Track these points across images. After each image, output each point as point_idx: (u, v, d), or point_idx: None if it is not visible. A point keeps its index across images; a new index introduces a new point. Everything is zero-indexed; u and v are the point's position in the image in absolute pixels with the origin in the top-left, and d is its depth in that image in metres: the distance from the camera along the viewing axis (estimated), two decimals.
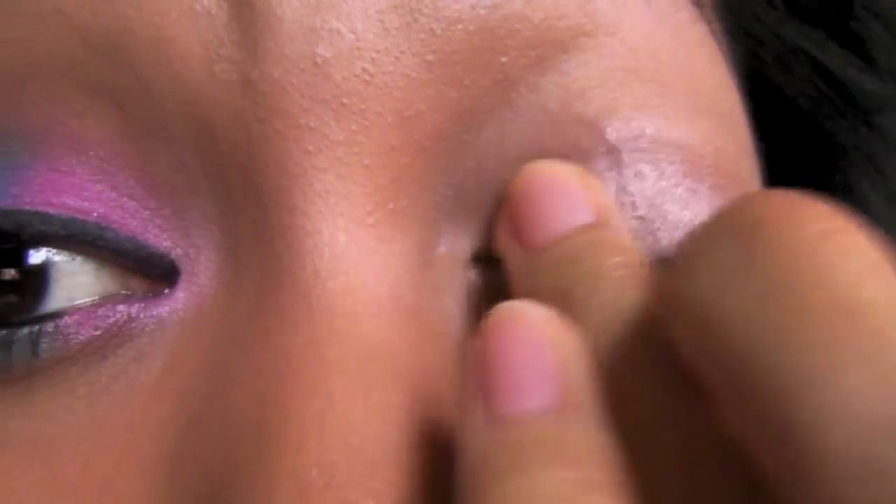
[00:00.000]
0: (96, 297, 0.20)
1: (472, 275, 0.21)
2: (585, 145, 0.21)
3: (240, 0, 0.19)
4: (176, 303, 0.20)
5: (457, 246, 0.21)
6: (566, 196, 0.20)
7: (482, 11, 0.20)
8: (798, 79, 0.28)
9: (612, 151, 0.21)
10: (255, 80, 0.19)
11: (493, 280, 0.21)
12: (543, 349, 0.17)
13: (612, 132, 0.21)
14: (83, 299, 0.20)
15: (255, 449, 0.18)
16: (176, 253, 0.21)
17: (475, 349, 0.17)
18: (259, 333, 0.19)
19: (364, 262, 0.19)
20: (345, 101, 0.19)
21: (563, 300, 0.18)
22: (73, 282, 0.20)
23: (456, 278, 0.21)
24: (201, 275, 0.20)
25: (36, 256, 0.20)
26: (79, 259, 0.20)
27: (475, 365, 0.17)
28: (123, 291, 0.21)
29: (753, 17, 0.26)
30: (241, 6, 0.19)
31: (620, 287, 0.18)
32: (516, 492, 0.15)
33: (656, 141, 0.22)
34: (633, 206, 0.22)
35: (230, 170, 0.20)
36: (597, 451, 0.16)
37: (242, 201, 0.20)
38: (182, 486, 0.19)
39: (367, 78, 0.20)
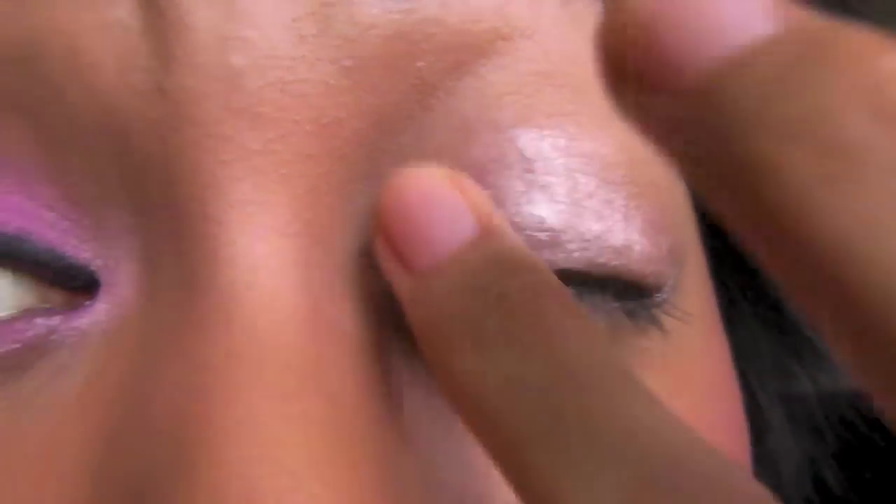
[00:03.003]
0: (14, 311, 0.20)
1: (387, 285, 0.21)
2: (497, 154, 0.21)
3: (152, 10, 0.19)
4: (97, 314, 0.20)
5: (372, 256, 0.21)
6: (443, 207, 0.19)
7: (396, 16, 0.20)
8: None
9: (523, 161, 0.21)
10: (169, 90, 0.19)
11: None
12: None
13: (524, 142, 0.21)
14: (1, 313, 0.20)
15: (174, 463, 0.18)
16: (96, 264, 0.20)
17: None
18: (178, 345, 0.19)
19: (282, 272, 0.19)
20: (260, 109, 0.19)
21: (473, 330, 0.17)
22: None
23: (374, 289, 0.21)
24: (122, 286, 0.20)
25: None
26: None
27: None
28: (43, 305, 0.20)
29: None
30: (154, 16, 0.19)
31: (536, 310, 0.17)
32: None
33: (568, 150, 0.22)
34: (543, 219, 0.21)
35: (147, 180, 0.20)
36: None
37: (160, 212, 0.20)
38: (103, 500, 0.18)
39: (283, 86, 0.19)
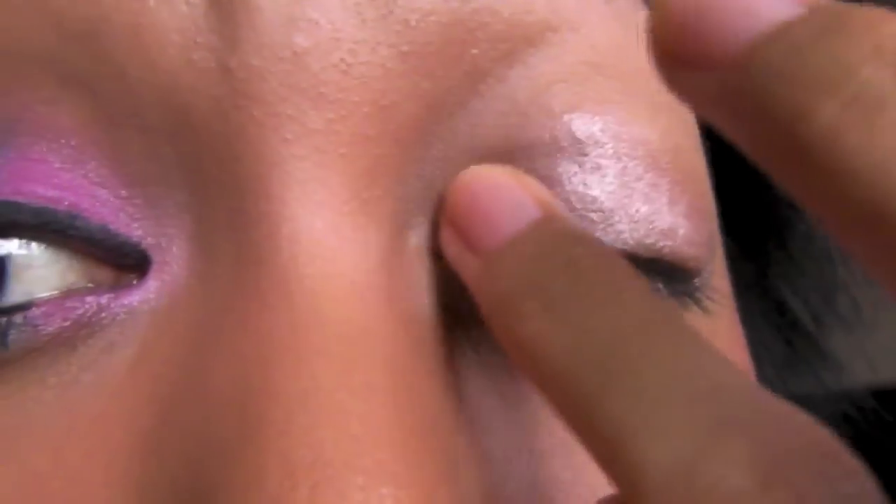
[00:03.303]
0: (64, 289, 0.20)
1: (441, 266, 0.21)
2: (550, 138, 0.22)
3: None
4: (147, 292, 0.20)
5: (426, 238, 0.21)
6: (510, 195, 0.20)
7: (454, 4, 0.21)
8: None
9: (576, 144, 0.22)
10: (233, 69, 0.20)
11: None
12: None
13: (576, 126, 0.22)
14: (47, 292, 0.20)
15: (239, 431, 0.18)
16: (147, 242, 0.20)
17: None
18: (237, 319, 0.19)
19: (342, 249, 0.20)
20: (322, 90, 0.20)
21: (542, 295, 0.18)
22: (37, 274, 0.20)
23: (427, 270, 0.21)
24: (173, 264, 0.20)
25: (4, 247, 0.20)
26: (43, 249, 0.20)
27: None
28: (89, 284, 0.20)
29: None
30: None
31: (604, 272, 0.18)
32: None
33: (618, 136, 0.22)
34: (595, 199, 0.22)
35: (205, 158, 0.20)
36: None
37: (217, 189, 0.20)
38: (158, 471, 0.19)
39: (345, 68, 0.20)
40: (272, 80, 0.20)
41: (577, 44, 0.22)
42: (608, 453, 0.16)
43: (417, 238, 0.21)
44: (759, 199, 0.34)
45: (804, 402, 0.35)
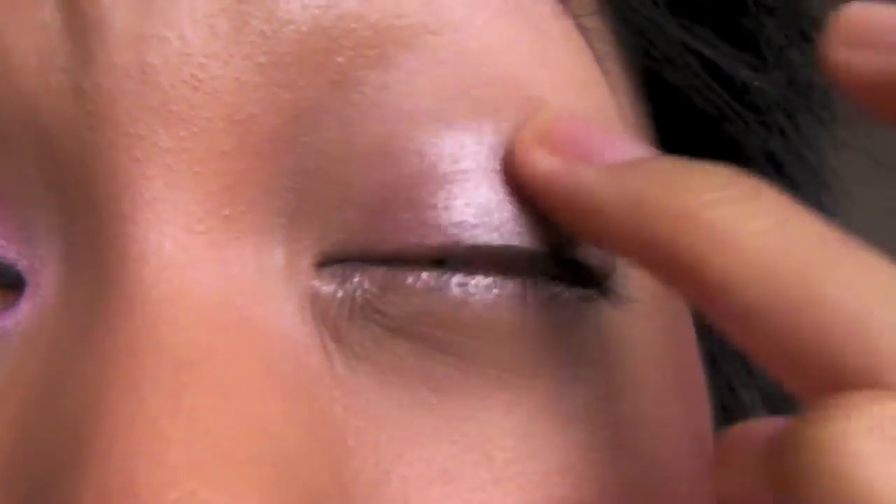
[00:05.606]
0: None
1: (315, 282, 0.21)
2: (447, 141, 0.21)
3: (73, 10, 0.19)
4: (20, 315, 0.20)
5: (300, 252, 0.20)
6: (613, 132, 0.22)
7: (315, 11, 0.20)
8: (691, 78, 0.27)
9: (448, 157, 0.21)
10: (86, 90, 0.19)
11: (337, 287, 0.21)
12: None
13: (445, 142, 0.21)
14: None
15: (69, 457, 0.18)
16: (22, 264, 0.20)
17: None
18: (88, 343, 0.19)
19: (191, 269, 0.19)
20: (173, 107, 0.19)
21: (725, 191, 0.19)
22: None
23: (298, 286, 0.20)
24: (45, 286, 0.20)
25: None
26: None
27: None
28: None
29: (637, 14, 0.26)
30: (74, 16, 0.19)
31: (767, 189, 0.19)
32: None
33: (492, 147, 0.21)
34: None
35: (68, 180, 0.20)
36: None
37: (80, 211, 0.20)
38: (11, 496, 0.19)
39: (196, 83, 0.19)
40: (123, 99, 0.19)
41: (464, 44, 0.21)
42: (833, 324, 0.17)
43: (290, 254, 0.20)
44: None
45: (788, 399, 0.34)
